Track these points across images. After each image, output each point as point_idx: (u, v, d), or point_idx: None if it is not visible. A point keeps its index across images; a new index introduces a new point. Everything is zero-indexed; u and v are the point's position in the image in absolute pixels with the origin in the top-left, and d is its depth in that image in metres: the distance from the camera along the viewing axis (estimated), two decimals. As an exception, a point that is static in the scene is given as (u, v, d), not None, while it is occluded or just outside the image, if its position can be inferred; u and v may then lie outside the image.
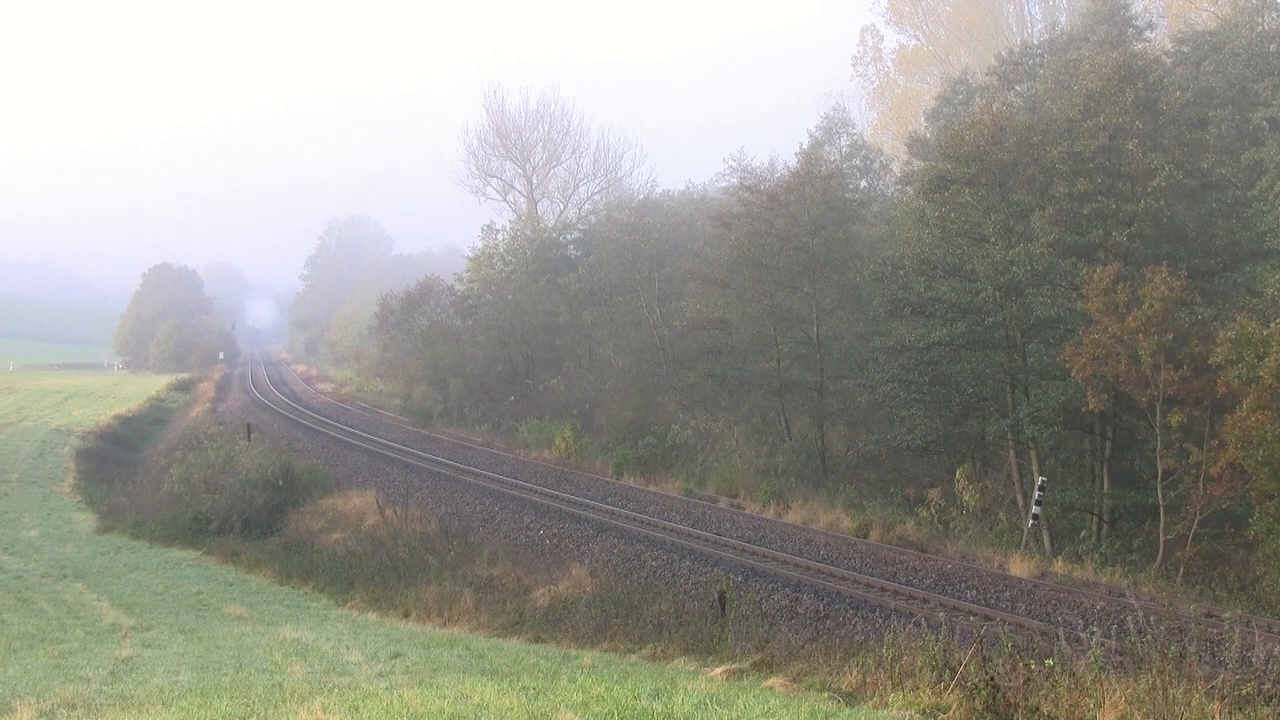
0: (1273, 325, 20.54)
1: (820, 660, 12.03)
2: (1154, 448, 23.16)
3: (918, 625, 12.45)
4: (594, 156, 71.95)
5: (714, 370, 36.48)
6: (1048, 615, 17.37)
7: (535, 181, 72.49)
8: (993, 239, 26.73)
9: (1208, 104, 30.91)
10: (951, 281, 28.07)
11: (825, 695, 10.07)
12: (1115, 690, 9.23)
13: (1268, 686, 9.81)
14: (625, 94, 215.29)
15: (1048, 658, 10.08)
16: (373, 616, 20.13)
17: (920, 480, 29.05)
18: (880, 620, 16.95)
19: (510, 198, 73.05)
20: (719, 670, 11.84)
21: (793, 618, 17.72)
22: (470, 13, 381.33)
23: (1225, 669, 10.09)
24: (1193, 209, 26.57)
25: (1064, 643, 10.89)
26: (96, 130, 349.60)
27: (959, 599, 18.73)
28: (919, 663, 10.24)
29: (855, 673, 10.68)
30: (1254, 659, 10.72)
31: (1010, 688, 9.21)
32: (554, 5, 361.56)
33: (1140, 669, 9.75)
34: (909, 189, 37.71)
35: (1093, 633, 11.06)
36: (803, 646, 13.54)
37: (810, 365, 33.94)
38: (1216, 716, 8.84)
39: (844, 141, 47.94)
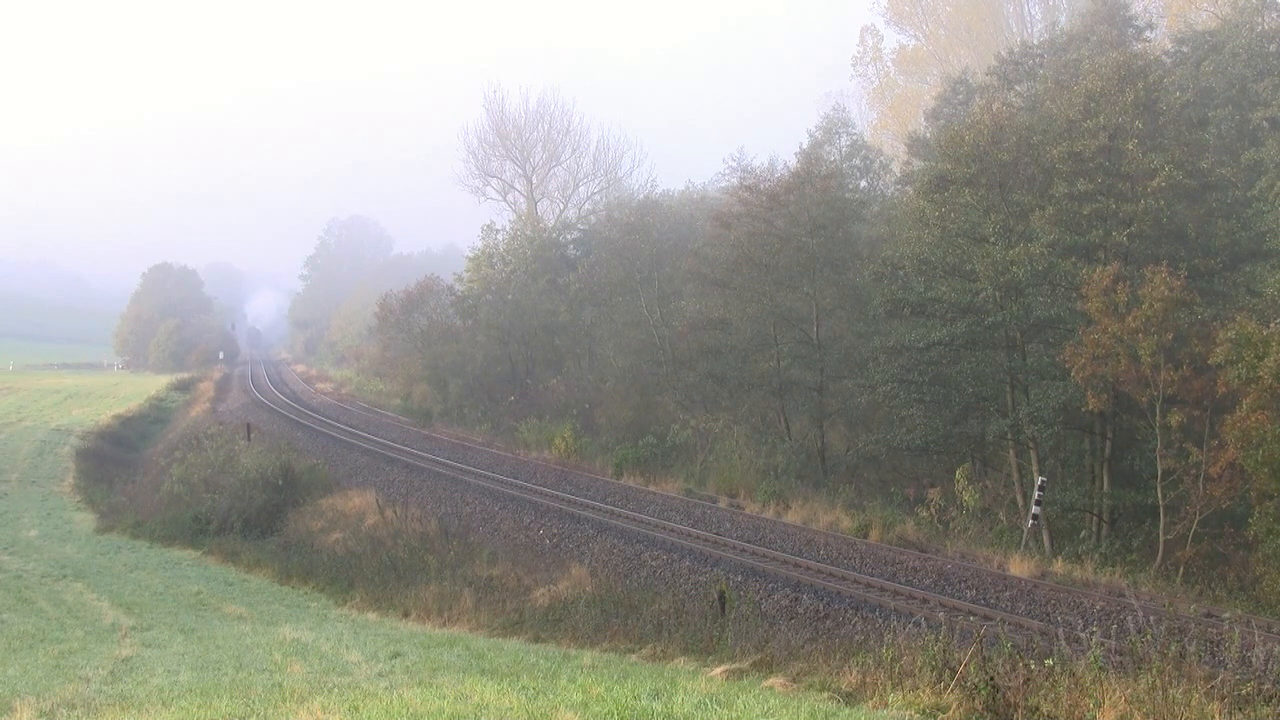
0: (1273, 325, 20.55)
1: (820, 660, 12.04)
2: (1154, 448, 23.16)
3: (918, 625, 12.46)
4: (594, 156, 71.96)
5: (714, 370, 36.46)
6: (1048, 615, 17.37)
7: (535, 181, 72.48)
8: (993, 239, 26.71)
9: (1208, 104, 30.92)
10: (951, 281, 28.05)
11: (825, 695, 10.06)
12: (1115, 690, 9.23)
13: (1268, 686, 9.83)
14: (626, 93, 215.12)
15: (1048, 658, 10.08)
16: (372, 616, 20.14)
17: (920, 480, 29.03)
18: (880, 620, 16.95)
19: (510, 198, 73.09)
20: (719, 670, 11.84)
21: (793, 618, 17.72)
22: (471, 11, 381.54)
23: (1225, 669, 10.10)
24: (1193, 209, 26.55)
25: (1064, 643, 10.87)
26: (96, 128, 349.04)
27: (959, 599, 18.73)
28: (919, 663, 10.24)
29: (855, 673, 10.69)
30: (1254, 659, 10.73)
31: (1010, 688, 9.21)
32: (554, 5, 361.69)
33: (1140, 669, 9.75)
34: (909, 189, 37.70)
35: (1092, 633, 11.05)
36: (802, 646, 13.55)
37: (810, 365, 33.93)
38: (1216, 716, 8.83)
39: (844, 141, 47.94)
